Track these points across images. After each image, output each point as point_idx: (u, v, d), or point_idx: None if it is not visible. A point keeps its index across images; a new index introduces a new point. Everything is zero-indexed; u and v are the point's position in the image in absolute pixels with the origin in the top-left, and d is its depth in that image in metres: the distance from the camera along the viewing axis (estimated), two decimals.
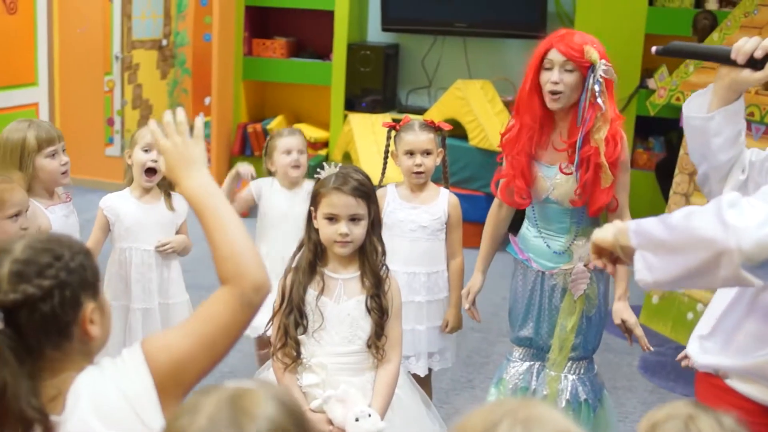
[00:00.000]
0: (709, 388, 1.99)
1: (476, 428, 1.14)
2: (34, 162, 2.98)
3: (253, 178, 3.54)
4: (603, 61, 2.71)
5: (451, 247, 3.22)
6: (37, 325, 1.41)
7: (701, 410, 1.46)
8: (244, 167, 3.48)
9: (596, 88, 2.71)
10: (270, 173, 3.57)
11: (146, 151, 3.17)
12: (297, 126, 7.00)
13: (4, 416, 1.38)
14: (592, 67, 2.72)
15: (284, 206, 3.52)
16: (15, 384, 1.38)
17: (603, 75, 2.71)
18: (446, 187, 3.28)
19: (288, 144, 3.49)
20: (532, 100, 2.81)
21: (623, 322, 2.81)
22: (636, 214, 1.99)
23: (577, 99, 2.76)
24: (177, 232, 3.33)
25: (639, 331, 2.81)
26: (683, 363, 2.51)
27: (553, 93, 2.75)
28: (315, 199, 2.44)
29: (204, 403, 1.15)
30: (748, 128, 2.34)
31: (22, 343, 1.40)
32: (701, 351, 2.01)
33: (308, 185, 3.36)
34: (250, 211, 3.74)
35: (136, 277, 3.23)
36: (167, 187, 3.26)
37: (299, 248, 2.50)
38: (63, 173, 3.07)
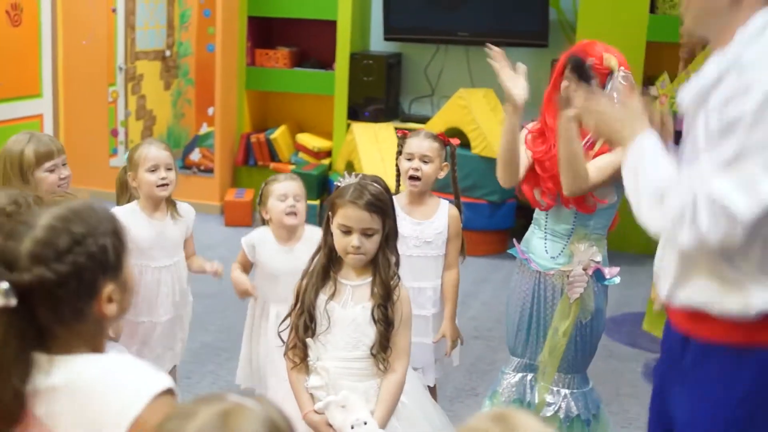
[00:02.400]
0: None
1: None
2: (34, 175, 2.99)
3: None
4: (622, 68, 2.76)
5: (447, 258, 3.22)
6: (51, 307, 1.41)
7: None
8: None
9: (614, 95, 2.75)
10: (263, 222, 3.23)
11: (152, 171, 3.14)
12: (300, 135, 7.05)
13: None
14: (611, 74, 2.76)
15: (280, 264, 3.16)
16: (9, 365, 1.40)
17: (622, 82, 2.75)
18: (457, 204, 3.30)
19: (284, 189, 3.14)
20: (556, 105, 2.87)
21: None
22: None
23: None
24: (184, 245, 3.31)
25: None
26: None
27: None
28: (332, 208, 2.48)
29: (198, 412, 1.17)
30: None
31: (34, 322, 1.41)
32: None
33: (309, 234, 3.15)
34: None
35: (145, 294, 3.15)
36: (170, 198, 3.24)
37: (317, 252, 2.54)
38: (60, 186, 3.05)
